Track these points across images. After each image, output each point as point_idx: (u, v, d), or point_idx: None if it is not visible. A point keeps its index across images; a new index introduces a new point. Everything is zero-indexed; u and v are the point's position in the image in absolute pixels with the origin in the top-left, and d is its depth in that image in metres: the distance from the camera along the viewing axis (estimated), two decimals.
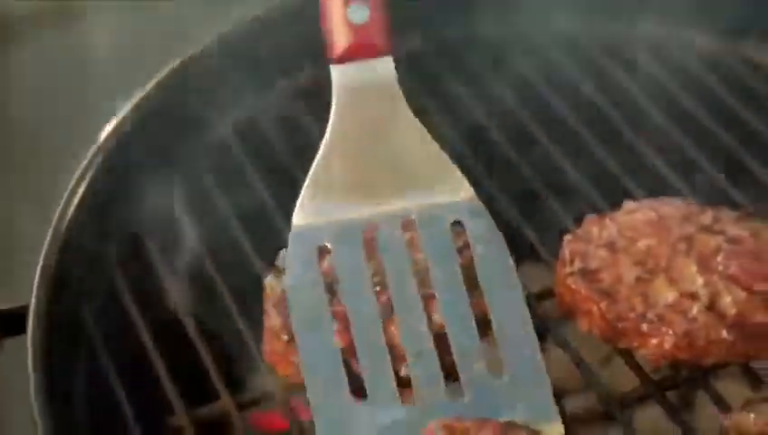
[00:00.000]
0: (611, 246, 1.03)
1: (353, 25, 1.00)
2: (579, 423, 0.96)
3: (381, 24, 1.01)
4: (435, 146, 1.00)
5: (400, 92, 1.00)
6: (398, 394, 0.89)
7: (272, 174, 1.16)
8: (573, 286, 1.01)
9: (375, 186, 0.98)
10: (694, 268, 1.00)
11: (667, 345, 0.96)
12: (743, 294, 0.97)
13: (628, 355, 1.00)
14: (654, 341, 0.97)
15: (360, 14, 1.00)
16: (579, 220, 1.07)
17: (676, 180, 1.15)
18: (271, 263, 1.02)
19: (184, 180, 1.17)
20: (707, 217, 1.04)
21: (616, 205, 1.08)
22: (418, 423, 0.87)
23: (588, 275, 1.01)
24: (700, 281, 0.99)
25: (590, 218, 1.07)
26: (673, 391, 0.99)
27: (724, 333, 0.96)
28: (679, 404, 1.06)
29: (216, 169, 1.18)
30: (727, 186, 1.14)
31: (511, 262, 0.96)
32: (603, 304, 0.99)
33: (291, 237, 0.96)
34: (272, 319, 0.98)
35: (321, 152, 0.98)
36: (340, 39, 1.01)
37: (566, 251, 1.04)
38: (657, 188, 1.13)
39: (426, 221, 0.96)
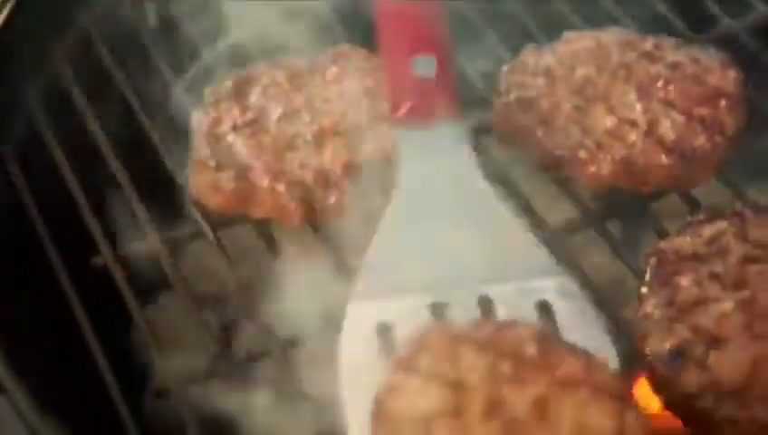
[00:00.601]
0: (549, 76, 1.00)
1: (419, 80, 0.91)
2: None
3: (450, 81, 0.92)
4: (518, 223, 0.88)
5: (474, 162, 0.91)
6: None
7: None
8: (511, 116, 0.98)
9: (445, 267, 0.84)
10: (633, 95, 0.97)
11: (606, 171, 0.94)
12: (682, 119, 0.95)
13: (566, 185, 0.98)
14: (592, 168, 0.94)
15: (427, 68, 0.91)
16: (518, 52, 1.04)
17: (617, 10, 1.11)
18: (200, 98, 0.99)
19: None
20: (648, 44, 1.02)
21: (556, 38, 1.05)
22: None
23: (525, 104, 0.98)
24: (639, 107, 0.96)
25: (529, 49, 1.04)
26: (612, 219, 0.96)
27: (663, 158, 0.94)
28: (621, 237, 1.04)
29: None
30: (668, 14, 1.11)
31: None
32: (540, 133, 0.96)
33: (349, 312, 0.83)
34: (200, 151, 0.95)
35: (383, 226, 0.87)
36: (404, 96, 0.92)
37: (504, 81, 1.01)
38: (599, 20, 1.10)
39: (510, 302, 0.82)
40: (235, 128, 0.96)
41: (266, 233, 0.95)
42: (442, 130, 0.91)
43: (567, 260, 0.94)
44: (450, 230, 0.86)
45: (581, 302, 0.83)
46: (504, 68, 1.02)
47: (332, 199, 0.93)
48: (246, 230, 0.97)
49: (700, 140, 0.94)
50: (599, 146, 0.94)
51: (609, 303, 0.90)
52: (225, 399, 0.88)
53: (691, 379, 0.79)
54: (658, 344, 0.81)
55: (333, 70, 1.00)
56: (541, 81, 0.99)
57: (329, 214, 0.93)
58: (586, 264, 1.05)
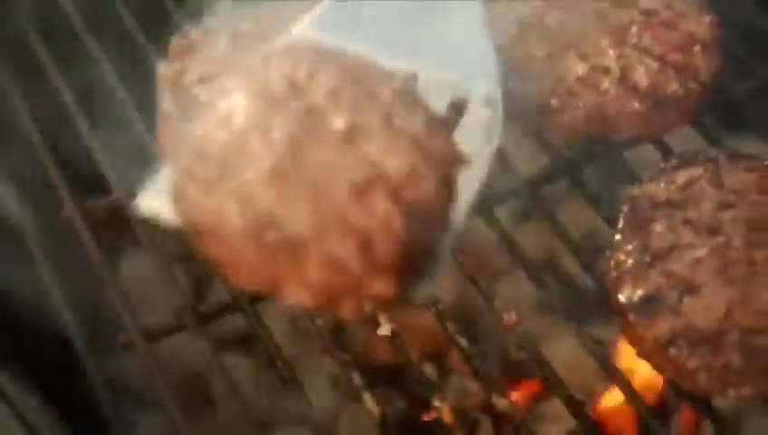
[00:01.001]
0: (521, 24, 0.98)
1: None
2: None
3: None
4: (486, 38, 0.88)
5: None
6: None
7: None
8: None
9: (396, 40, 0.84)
10: (606, 42, 0.96)
11: (578, 119, 0.93)
12: (655, 65, 0.94)
13: (539, 134, 0.96)
14: (565, 116, 0.93)
15: None
16: None
17: None
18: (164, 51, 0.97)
19: None
20: None
21: None
22: None
23: (497, 52, 0.96)
24: (612, 54, 0.95)
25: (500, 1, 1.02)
26: (586, 169, 0.95)
27: (636, 105, 0.92)
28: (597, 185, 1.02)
29: None
30: None
31: None
32: (511, 82, 0.94)
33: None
34: (165, 103, 0.93)
35: None
36: None
37: None
38: None
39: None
40: (200, 80, 0.94)
41: None
42: None
43: (542, 210, 0.93)
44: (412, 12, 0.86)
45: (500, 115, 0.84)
46: None
47: None
48: None
49: (673, 87, 0.93)
50: (570, 94, 0.93)
51: (584, 253, 0.89)
52: (193, 353, 0.87)
53: (665, 325, 0.78)
54: (631, 291, 0.80)
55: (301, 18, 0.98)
56: (512, 29, 0.98)
57: None
58: (561, 213, 1.04)
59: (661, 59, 0.94)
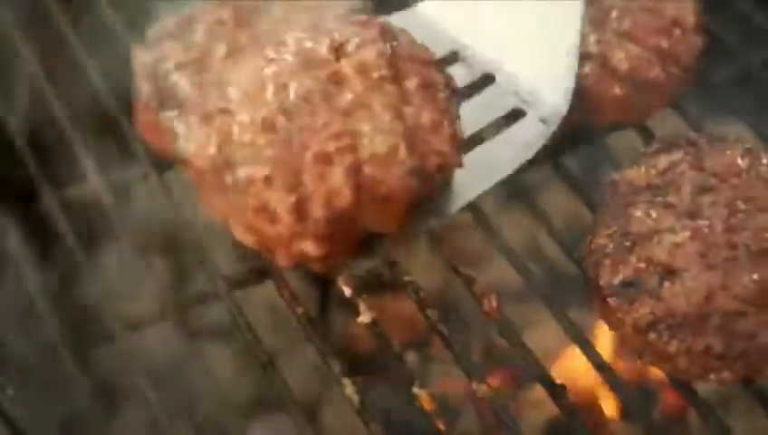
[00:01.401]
0: None
1: None
2: None
3: None
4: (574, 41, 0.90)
5: None
6: None
7: None
8: None
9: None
10: (587, 27, 0.95)
11: None
12: (636, 50, 0.93)
13: None
14: None
15: None
16: None
17: None
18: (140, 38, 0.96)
19: None
20: None
21: None
22: None
23: None
24: (593, 39, 0.94)
25: None
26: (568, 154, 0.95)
27: (617, 89, 0.92)
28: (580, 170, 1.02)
29: None
30: None
31: None
32: None
33: None
34: (142, 91, 0.92)
35: None
36: None
37: None
38: None
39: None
40: (178, 66, 0.93)
41: None
42: None
43: (523, 197, 0.92)
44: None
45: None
46: None
47: None
48: None
49: (654, 71, 0.93)
50: None
51: (565, 238, 0.88)
52: (173, 343, 0.86)
53: (644, 310, 0.77)
54: (611, 276, 0.80)
55: (280, 6, 0.97)
56: None
57: None
58: (544, 199, 1.04)
59: (642, 43, 0.93)
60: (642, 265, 0.79)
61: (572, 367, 0.95)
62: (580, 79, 0.91)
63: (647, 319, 0.77)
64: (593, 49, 0.93)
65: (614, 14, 0.95)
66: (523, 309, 1.05)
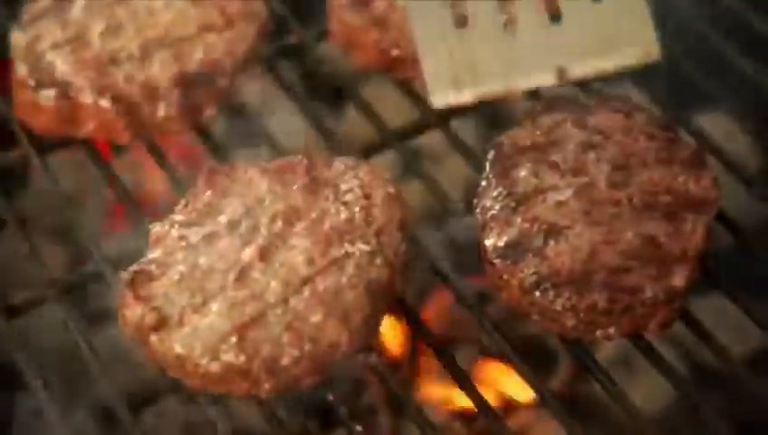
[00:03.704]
0: None
1: None
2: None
3: None
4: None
5: None
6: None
7: None
8: (346, 19, 0.95)
9: None
10: None
11: None
12: None
13: (406, 87, 0.95)
14: None
15: None
16: None
17: None
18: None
19: None
20: None
21: None
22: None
23: (361, 5, 0.95)
24: None
25: None
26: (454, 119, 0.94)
27: None
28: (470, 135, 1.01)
29: None
30: None
31: None
32: (375, 34, 0.93)
33: None
34: (19, 70, 0.90)
35: None
36: None
37: None
38: None
39: None
40: (55, 45, 0.91)
41: (95, 153, 0.90)
42: None
43: (419, 167, 0.91)
44: None
45: None
46: None
47: (161, 113, 0.89)
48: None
49: None
50: None
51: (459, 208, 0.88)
52: (63, 327, 0.84)
53: (529, 270, 0.77)
54: (497, 238, 0.79)
55: None
56: None
57: (158, 128, 0.89)
58: (442, 166, 1.03)
59: None
60: (527, 225, 0.78)
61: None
62: None
63: (531, 279, 0.76)
64: None
65: None
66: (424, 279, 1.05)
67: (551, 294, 0.76)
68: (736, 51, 0.98)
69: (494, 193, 0.82)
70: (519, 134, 0.85)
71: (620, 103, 0.87)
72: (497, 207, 0.81)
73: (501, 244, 0.79)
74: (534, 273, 0.76)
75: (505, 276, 0.78)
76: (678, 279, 0.76)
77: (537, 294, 0.76)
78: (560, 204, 0.79)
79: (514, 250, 0.78)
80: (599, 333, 0.76)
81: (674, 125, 0.86)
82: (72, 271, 0.89)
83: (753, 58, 0.97)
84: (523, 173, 0.82)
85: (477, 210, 0.82)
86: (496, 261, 0.78)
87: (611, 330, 0.76)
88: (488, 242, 0.79)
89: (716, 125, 0.98)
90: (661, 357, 0.78)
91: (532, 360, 0.79)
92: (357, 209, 0.79)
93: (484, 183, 0.83)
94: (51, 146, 0.91)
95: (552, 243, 0.77)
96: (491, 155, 0.84)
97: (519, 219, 0.79)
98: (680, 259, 0.77)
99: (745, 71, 0.97)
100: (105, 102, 0.88)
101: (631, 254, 0.77)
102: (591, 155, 0.82)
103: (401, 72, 0.94)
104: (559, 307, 0.75)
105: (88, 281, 0.86)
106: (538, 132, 0.84)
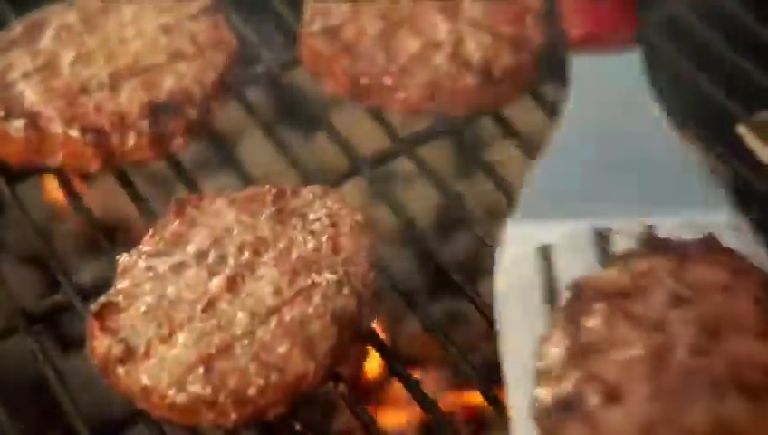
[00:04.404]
0: (354, 1, 0.97)
1: (597, 4, 0.89)
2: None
3: (629, 7, 0.89)
4: (691, 157, 0.85)
5: (648, 92, 0.87)
6: None
7: None
8: (316, 47, 0.95)
9: (610, 194, 0.82)
10: (438, 16, 0.95)
11: (412, 97, 0.92)
12: (488, 39, 0.93)
13: (376, 115, 0.95)
14: (400, 94, 0.92)
15: None
16: None
17: None
18: None
19: None
20: None
21: None
22: None
23: (330, 33, 0.95)
24: (444, 28, 0.94)
25: None
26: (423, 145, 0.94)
27: (469, 79, 0.91)
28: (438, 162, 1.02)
29: None
30: None
31: None
32: (345, 61, 0.93)
33: (506, 236, 0.81)
34: None
35: (549, 149, 0.85)
36: (579, 20, 0.89)
37: (307, 11, 0.98)
38: None
39: (674, 234, 0.78)
40: (25, 75, 0.91)
41: (65, 182, 0.91)
42: (617, 58, 0.88)
43: (382, 191, 0.92)
44: (618, 157, 0.84)
45: (751, 238, 0.79)
46: None
47: (131, 142, 0.89)
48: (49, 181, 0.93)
49: (506, 59, 0.93)
50: (403, 71, 0.92)
51: (423, 236, 0.88)
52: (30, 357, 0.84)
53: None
54: (546, 393, 0.70)
55: (129, 9, 0.96)
56: (345, 7, 0.96)
57: (128, 157, 0.89)
58: (410, 194, 1.04)
59: (493, 32, 0.93)
60: (583, 381, 0.69)
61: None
62: (432, 70, 0.92)
63: None
64: (445, 39, 0.93)
65: (465, 3, 0.95)
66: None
67: None
68: None
69: (557, 339, 0.72)
70: (603, 277, 0.75)
71: (728, 257, 0.76)
72: (556, 355, 0.71)
73: (549, 399, 0.69)
74: None
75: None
76: None
77: None
78: (627, 363, 0.69)
79: (563, 409, 0.69)
80: None
81: None
82: (41, 300, 0.89)
83: None
84: (594, 321, 0.72)
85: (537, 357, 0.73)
86: (542, 419, 0.69)
87: None
88: (538, 394, 0.70)
89: None
90: None
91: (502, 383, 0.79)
92: (324, 239, 0.80)
93: (551, 326, 0.74)
94: (21, 175, 0.92)
95: (605, 408, 0.68)
96: (567, 296, 0.75)
97: (577, 374, 0.69)
98: None
99: None
100: (74, 132, 0.88)
101: None
102: (678, 311, 0.72)
103: (371, 99, 0.94)
104: None
105: (57, 311, 0.86)
106: (626, 277, 0.74)
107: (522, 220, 0.81)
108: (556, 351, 0.71)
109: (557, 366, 0.70)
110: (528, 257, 0.79)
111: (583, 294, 0.74)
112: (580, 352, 0.70)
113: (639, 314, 0.71)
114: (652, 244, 0.77)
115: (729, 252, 0.76)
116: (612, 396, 0.68)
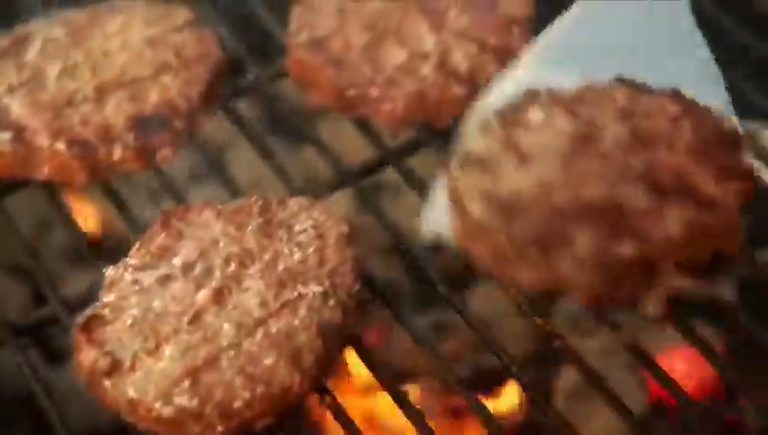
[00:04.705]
0: (341, 12, 0.97)
1: None
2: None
3: None
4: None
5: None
6: None
7: None
8: (302, 58, 0.95)
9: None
10: (425, 27, 0.95)
11: (399, 108, 0.92)
12: (474, 49, 0.93)
13: (363, 126, 0.95)
14: (386, 105, 0.92)
15: None
16: None
17: None
18: None
19: None
20: None
21: None
22: None
23: (316, 44, 0.95)
24: (431, 39, 0.94)
25: None
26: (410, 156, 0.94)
27: (456, 89, 0.92)
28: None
29: None
30: None
31: None
32: (332, 73, 0.94)
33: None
34: None
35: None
36: None
37: (294, 22, 0.98)
38: None
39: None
40: (11, 88, 0.91)
41: (52, 195, 0.91)
42: None
43: (369, 202, 0.92)
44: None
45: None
46: (296, 8, 0.99)
47: (117, 155, 0.89)
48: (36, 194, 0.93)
49: (493, 69, 0.93)
50: (390, 82, 0.92)
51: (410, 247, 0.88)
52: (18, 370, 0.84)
53: None
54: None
55: (115, 22, 0.96)
56: (331, 18, 0.97)
57: (114, 170, 0.89)
58: (398, 205, 1.04)
59: (480, 42, 0.94)
60: None
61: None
62: (419, 81, 0.92)
63: None
64: (432, 50, 0.93)
65: (451, 13, 0.96)
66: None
67: None
68: None
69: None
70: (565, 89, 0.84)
71: (688, 102, 0.82)
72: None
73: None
74: None
75: None
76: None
77: None
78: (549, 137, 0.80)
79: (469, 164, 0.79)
80: None
81: None
82: (28, 313, 0.89)
83: None
84: (536, 114, 0.81)
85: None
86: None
87: None
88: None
89: None
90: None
91: (488, 393, 0.79)
92: (310, 250, 0.80)
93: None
94: (8, 188, 0.92)
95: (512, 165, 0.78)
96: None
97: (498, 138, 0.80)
98: None
99: None
100: (60, 145, 0.88)
101: None
102: (619, 121, 0.80)
103: (358, 110, 0.94)
104: None
105: (44, 324, 0.86)
106: (586, 91, 0.83)
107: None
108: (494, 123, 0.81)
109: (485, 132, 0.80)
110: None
111: (538, 98, 0.82)
112: (510, 125, 0.80)
113: (582, 114, 0.80)
114: (627, 82, 0.83)
115: (692, 102, 0.81)
116: (523, 158, 0.77)
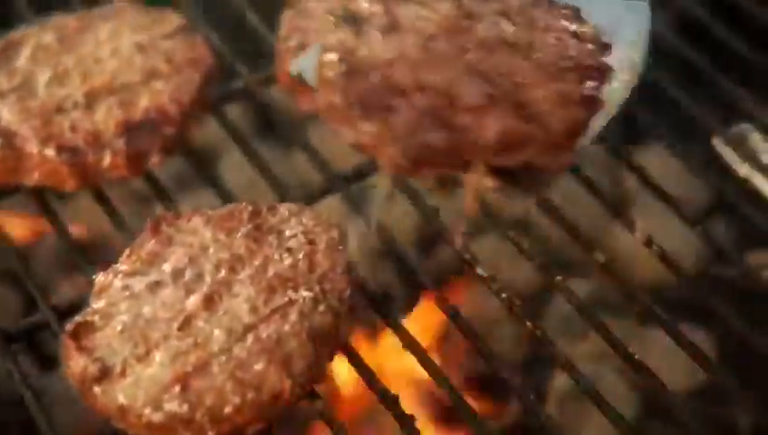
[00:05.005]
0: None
1: None
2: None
3: None
4: None
5: None
6: None
7: None
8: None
9: None
10: None
11: None
12: None
13: None
14: None
15: None
16: None
17: None
18: None
19: None
20: None
21: None
22: None
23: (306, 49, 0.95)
24: None
25: None
26: None
27: None
28: None
29: None
30: None
31: None
32: None
33: None
34: None
35: None
36: None
37: (284, 27, 0.98)
38: None
39: None
40: (1, 94, 0.91)
41: (42, 201, 0.91)
42: None
43: (359, 207, 0.92)
44: None
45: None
46: (288, 12, 0.99)
47: (107, 161, 0.89)
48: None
49: None
50: None
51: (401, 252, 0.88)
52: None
53: None
54: None
55: (105, 28, 0.96)
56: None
57: (104, 176, 0.89)
58: (388, 210, 1.03)
59: None
60: None
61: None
62: None
63: None
64: None
65: None
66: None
67: None
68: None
69: None
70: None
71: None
72: None
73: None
74: None
75: None
76: None
77: None
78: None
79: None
80: None
81: None
82: (19, 320, 0.89)
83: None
84: None
85: None
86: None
87: None
88: None
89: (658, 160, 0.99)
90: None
91: (483, 396, 0.79)
92: (300, 256, 0.80)
93: None
94: None
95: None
96: None
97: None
98: None
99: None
100: (50, 151, 0.88)
101: None
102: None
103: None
104: None
105: (35, 330, 0.86)
106: None
107: None
108: None
109: None
110: None
111: None
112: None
113: (468, 4, 0.86)
114: None
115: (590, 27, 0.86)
116: (394, 27, 0.84)
